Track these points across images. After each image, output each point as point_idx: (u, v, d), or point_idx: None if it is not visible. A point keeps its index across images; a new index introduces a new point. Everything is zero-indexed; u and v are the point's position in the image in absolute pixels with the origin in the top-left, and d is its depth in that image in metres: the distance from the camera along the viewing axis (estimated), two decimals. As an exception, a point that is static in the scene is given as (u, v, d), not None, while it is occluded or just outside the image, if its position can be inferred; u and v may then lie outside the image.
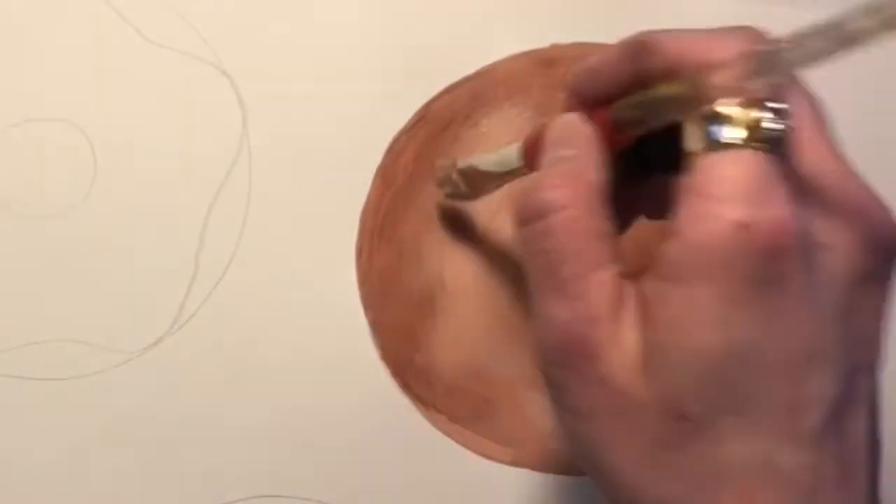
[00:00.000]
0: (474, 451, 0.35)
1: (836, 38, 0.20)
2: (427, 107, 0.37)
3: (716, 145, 0.22)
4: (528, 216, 0.25)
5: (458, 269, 0.36)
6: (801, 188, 0.22)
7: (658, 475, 0.23)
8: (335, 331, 0.35)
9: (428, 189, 0.36)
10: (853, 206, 0.23)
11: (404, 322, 0.36)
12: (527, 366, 0.36)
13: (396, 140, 0.36)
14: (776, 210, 0.21)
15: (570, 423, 0.24)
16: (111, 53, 0.36)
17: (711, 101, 0.22)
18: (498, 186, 0.32)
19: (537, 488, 0.35)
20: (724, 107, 0.22)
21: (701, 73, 0.23)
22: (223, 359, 0.35)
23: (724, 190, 0.22)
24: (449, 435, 0.35)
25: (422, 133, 0.37)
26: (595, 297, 0.23)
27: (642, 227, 0.27)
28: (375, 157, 0.36)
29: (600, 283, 0.23)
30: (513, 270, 0.36)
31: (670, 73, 0.24)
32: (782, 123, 0.22)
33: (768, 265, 0.21)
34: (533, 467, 0.35)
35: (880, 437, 0.24)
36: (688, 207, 0.22)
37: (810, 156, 0.23)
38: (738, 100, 0.22)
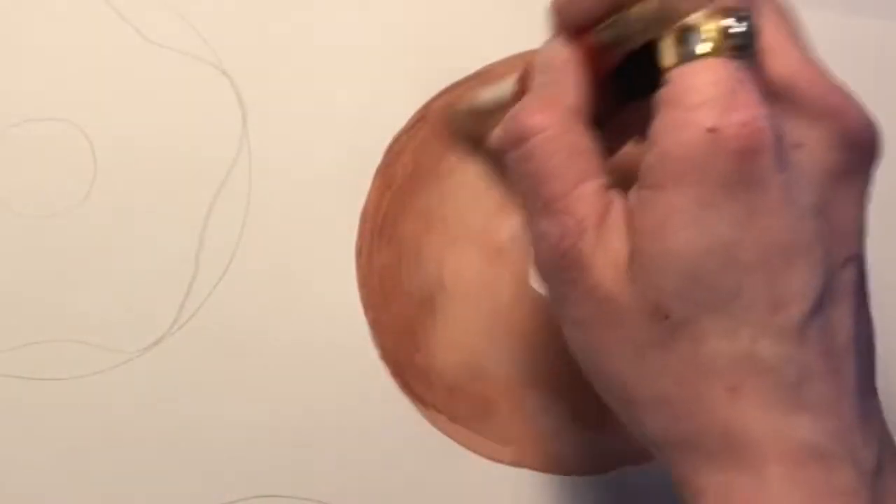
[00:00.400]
0: (474, 451, 0.35)
1: None
2: (427, 107, 0.37)
3: (687, 57, 0.23)
4: (510, 142, 0.26)
5: (458, 269, 0.36)
6: (772, 91, 0.23)
7: (648, 374, 0.24)
8: (335, 331, 0.35)
9: (428, 189, 0.36)
10: (825, 105, 0.24)
11: (404, 322, 0.36)
12: (527, 366, 0.36)
13: (396, 140, 0.36)
14: (745, 113, 0.22)
15: (571, 332, 0.26)
16: (111, 53, 0.36)
17: (681, 15, 0.23)
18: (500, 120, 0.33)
19: (537, 488, 0.35)
20: (694, 20, 0.23)
21: None
22: (223, 359, 0.35)
23: (694, 98, 0.23)
24: (449, 435, 0.35)
25: (422, 133, 0.37)
26: (580, 210, 0.24)
27: (631, 147, 0.28)
28: (375, 157, 0.36)
29: (584, 196, 0.24)
30: (513, 270, 0.36)
31: None
32: (748, 30, 0.23)
33: (740, 166, 0.22)
34: (533, 467, 0.35)
35: (871, 329, 0.25)
36: (662, 118, 0.23)
37: (781, 59, 0.24)
38: (704, 11, 0.23)
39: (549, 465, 0.36)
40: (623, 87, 0.27)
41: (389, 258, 0.36)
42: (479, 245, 0.36)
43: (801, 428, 0.23)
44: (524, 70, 0.29)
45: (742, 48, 0.23)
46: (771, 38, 0.24)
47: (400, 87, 0.37)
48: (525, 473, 0.35)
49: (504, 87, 0.31)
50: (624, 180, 0.25)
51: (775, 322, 0.23)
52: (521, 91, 0.29)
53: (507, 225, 0.36)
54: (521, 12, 0.38)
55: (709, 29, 0.23)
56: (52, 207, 0.35)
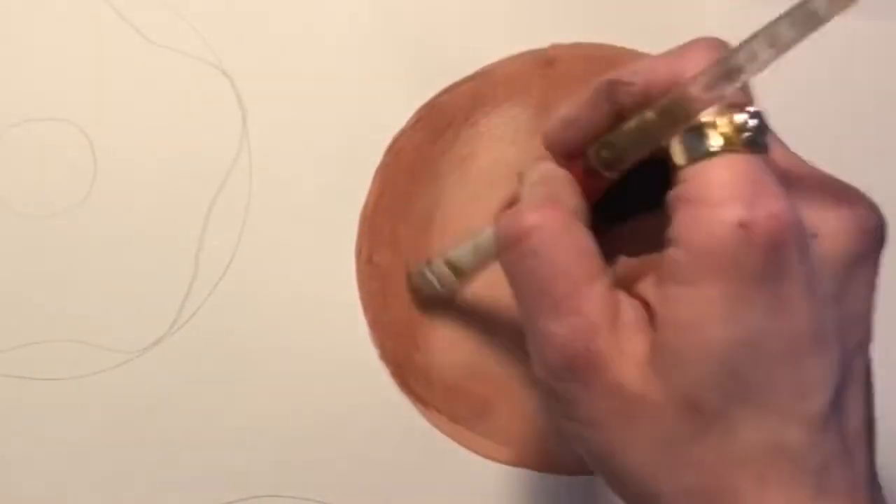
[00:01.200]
0: (475, 451, 0.35)
1: (800, 19, 0.22)
2: (427, 107, 0.37)
3: (701, 154, 0.23)
4: (511, 240, 0.25)
5: (458, 269, 0.36)
6: (785, 183, 0.23)
7: (674, 469, 0.24)
8: (335, 331, 0.35)
9: (428, 189, 0.36)
10: (834, 195, 0.24)
11: (404, 322, 0.36)
12: (527, 366, 0.36)
13: (396, 140, 0.36)
14: (771, 206, 0.22)
15: (580, 433, 0.25)
16: (111, 53, 0.36)
17: (689, 116, 0.23)
18: (480, 272, 0.32)
19: (537, 488, 0.35)
20: (703, 117, 0.23)
21: (675, 91, 0.24)
22: (222, 359, 0.35)
23: (719, 193, 0.23)
24: (449, 435, 0.35)
25: (422, 133, 0.37)
26: (591, 309, 0.24)
27: (623, 262, 0.28)
28: (375, 157, 0.36)
29: (594, 295, 0.24)
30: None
31: (644, 101, 0.25)
32: (760, 123, 0.23)
33: (770, 259, 0.22)
34: (533, 467, 0.35)
35: (874, 416, 0.25)
36: (684, 214, 0.23)
37: (779, 155, 0.24)
38: (714, 109, 0.23)
39: (549, 465, 0.36)
40: (608, 212, 0.27)
41: (389, 258, 0.36)
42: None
43: None
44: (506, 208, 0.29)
45: (754, 142, 0.23)
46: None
47: (400, 87, 0.37)
48: (525, 473, 0.35)
49: (483, 240, 0.31)
50: (625, 286, 0.25)
51: (801, 410, 0.23)
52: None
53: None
54: (520, 12, 0.38)
55: (722, 125, 0.23)
56: (52, 207, 0.35)
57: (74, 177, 0.35)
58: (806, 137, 0.38)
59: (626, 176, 0.26)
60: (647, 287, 0.24)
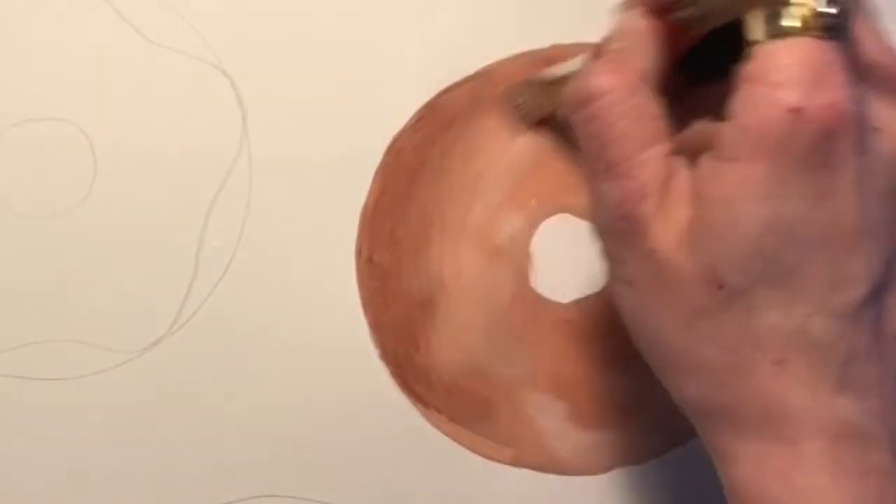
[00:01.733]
0: (474, 451, 0.35)
1: None
2: (427, 107, 0.37)
3: (775, 33, 0.23)
4: (577, 103, 0.26)
5: (458, 269, 0.36)
6: (859, 73, 0.23)
7: (696, 340, 0.24)
8: (335, 331, 0.35)
9: (428, 189, 0.36)
10: None
11: (404, 322, 0.36)
12: (527, 366, 0.36)
13: (396, 140, 0.36)
14: (830, 94, 0.22)
15: (623, 291, 0.26)
16: (111, 53, 0.36)
17: None
18: None
19: (537, 488, 0.35)
20: None
21: None
22: (223, 359, 0.35)
23: (780, 75, 0.22)
24: (449, 435, 0.35)
25: (421, 133, 0.37)
26: (644, 174, 0.24)
27: (700, 125, 0.27)
28: (375, 157, 0.36)
29: (648, 161, 0.24)
30: (513, 270, 0.36)
31: None
32: (841, 11, 0.23)
33: (819, 148, 0.22)
34: (533, 467, 0.35)
35: None
36: (744, 93, 0.23)
37: (867, 44, 0.24)
38: None
39: (549, 465, 0.36)
40: (695, 69, 0.27)
41: (389, 258, 0.36)
42: (479, 245, 0.36)
43: (842, 406, 0.23)
44: (597, 45, 0.29)
45: (833, 28, 0.23)
46: (857, 21, 0.24)
47: (400, 87, 0.37)
48: (525, 473, 0.35)
49: (576, 62, 0.31)
50: (690, 154, 0.25)
51: (832, 301, 0.23)
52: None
53: (507, 225, 0.36)
54: (521, 12, 0.38)
55: (800, 7, 0.23)
56: (52, 207, 0.35)
57: (74, 177, 0.35)
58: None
59: (719, 36, 0.25)
60: (705, 159, 0.24)
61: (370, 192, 0.36)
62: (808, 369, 0.23)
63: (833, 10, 0.23)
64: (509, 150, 0.37)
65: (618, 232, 0.25)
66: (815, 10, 0.23)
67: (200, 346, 0.35)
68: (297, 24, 0.37)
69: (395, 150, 0.36)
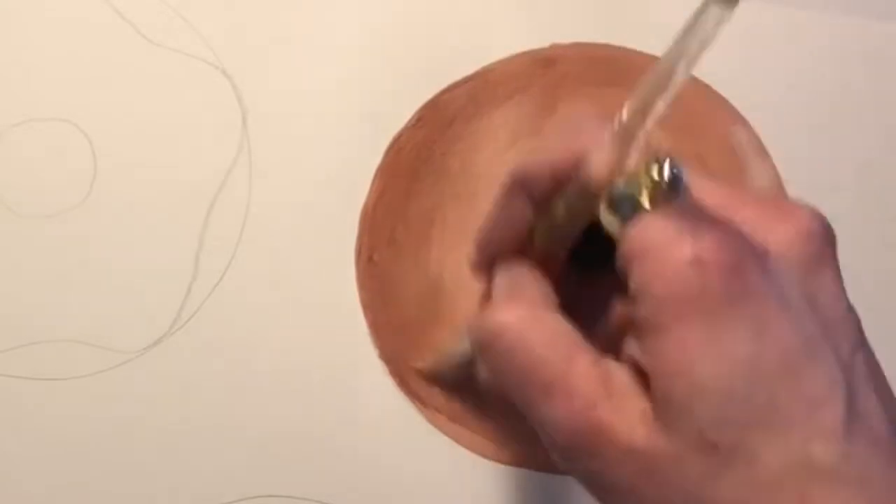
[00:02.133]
0: (474, 451, 0.35)
1: (692, 36, 0.22)
2: (427, 106, 0.37)
3: (631, 216, 0.24)
4: (487, 343, 0.26)
5: (458, 269, 0.36)
6: (722, 213, 0.24)
7: None
8: (335, 331, 0.35)
9: (428, 189, 0.36)
10: (772, 211, 0.25)
11: (404, 322, 0.36)
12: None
13: (396, 140, 0.36)
14: (714, 234, 0.23)
15: (606, 499, 0.25)
16: (111, 53, 0.36)
17: (605, 187, 0.24)
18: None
19: (537, 488, 0.35)
20: (619, 184, 0.24)
21: (583, 171, 0.24)
22: (222, 359, 0.35)
23: (661, 242, 0.23)
24: (449, 435, 0.35)
25: (422, 133, 0.37)
26: (581, 385, 0.24)
27: (610, 319, 0.28)
28: (375, 157, 0.36)
29: (579, 372, 0.24)
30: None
31: (556, 187, 0.26)
32: (676, 171, 0.24)
33: (732, 283, 0.22)
34: (533, 467, 0.35)
35: None
36: (636, 272, 0.23)
37: (707, 189, 0.25)
38: (626, 174, 0.24)
39: (549, 465, 0.35)
40: (585, 259, 0.28)
41: (389, 258, 0.36)
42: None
43: None
44: (482, 296, 0.30)
45: (677, 188, 0.24)
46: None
47: (400, 87, 0.37)
48: (525, 473, 0.35)
49: (461, 344, 0.31)
50: (612, 351, 0.25)
51: (818, 423, 0.23)
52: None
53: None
54: (520, 12, 0.38)
55: (640, 186, 0.24)
56: (52, 207, 0.35)
57: (74, 177, 0.35)
58: (806, 137, 0.38)
59: (590, 228, 0.26)
60: (631, 345, 0.24)
61: (370, 192, 0.36)
62: (830, 496, 0.22)
63: (670, 172, 0.23)
64: (509, 149, 0.37)
65: (581, 447, 0.24)
66: (655, 181, 0.23)
67: (200, 346, 0.35)
68: (297, 24, 0.37)
69: (396, 150, 0.36)
